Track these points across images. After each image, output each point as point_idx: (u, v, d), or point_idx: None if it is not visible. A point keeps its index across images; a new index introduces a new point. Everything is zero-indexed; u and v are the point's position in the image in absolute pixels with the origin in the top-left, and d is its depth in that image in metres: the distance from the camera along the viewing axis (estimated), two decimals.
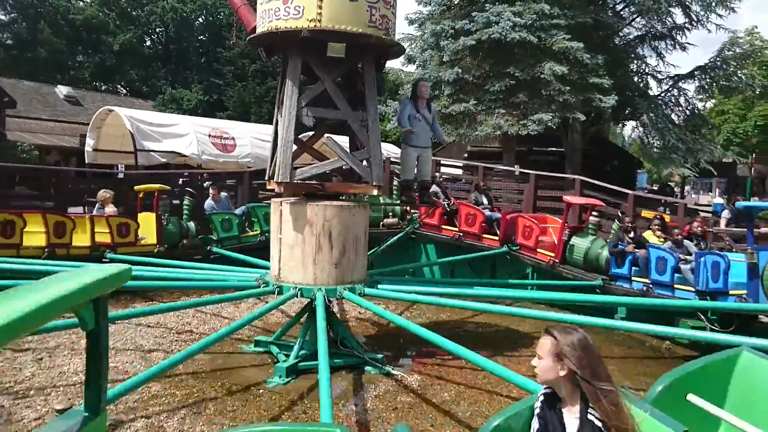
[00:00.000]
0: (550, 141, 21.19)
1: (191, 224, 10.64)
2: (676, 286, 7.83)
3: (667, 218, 10.15)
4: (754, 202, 13.66)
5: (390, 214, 12.08)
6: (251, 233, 11.31)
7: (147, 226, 9.99)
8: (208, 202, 11.19)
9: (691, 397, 2.47)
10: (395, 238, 11.39)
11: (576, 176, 12.95)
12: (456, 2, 18.88)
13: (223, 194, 11.58)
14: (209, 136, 16.32)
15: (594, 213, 9.70)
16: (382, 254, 11.06)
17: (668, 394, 2.52)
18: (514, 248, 10.28)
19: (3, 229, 8.31)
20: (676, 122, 20.60)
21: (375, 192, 6.94)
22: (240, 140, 17.17)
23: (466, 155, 23.86)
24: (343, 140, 7.56)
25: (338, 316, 7.78)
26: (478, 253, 10.58)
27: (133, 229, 9.74)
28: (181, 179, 11.84)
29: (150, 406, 5.37)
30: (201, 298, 6.69)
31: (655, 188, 33.96)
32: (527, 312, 6.59)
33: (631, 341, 8.22)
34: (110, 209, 10.03)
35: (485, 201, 11.53)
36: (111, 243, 9.34)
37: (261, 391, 5.88)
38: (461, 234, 11.01)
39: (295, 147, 6.90)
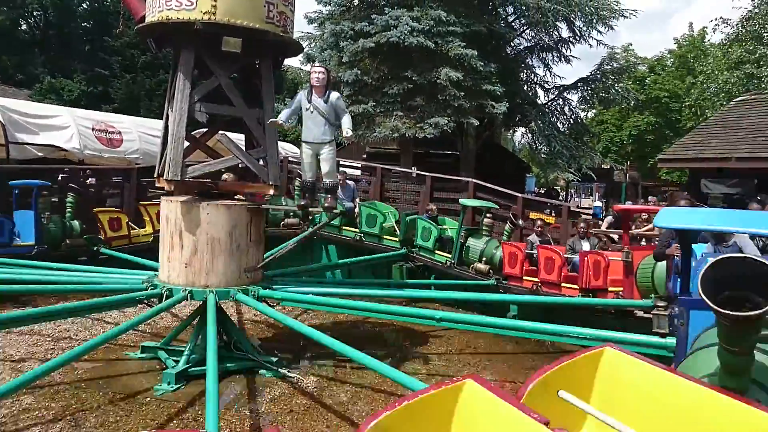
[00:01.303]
0: (446, 144, 21.82)
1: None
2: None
3: (551, 219, 10.75)
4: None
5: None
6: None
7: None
8: None
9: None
10: (296, 239, 11.14)
11: (470, 179, 13.42)
12: (356, 3, 18.99)
13: None
14: (93, 129, 15.23)
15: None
16: (282, 255, 10.81)
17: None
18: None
19: None
20: (561, 130, 21.92)
21: (271, 192, 6.80)
22: (127, 135, 16.19)
23: (365, 156, 24.02)
24: (240, 138, 7.36)
25: (233, 318, 7.55)
26: (378, 255, 10.61)
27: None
28: (60, 175, 10.99)
29: (21, 421, 4.93)
30: (80, 302, 6.21)
31: (542, 191, 35.93)
32: (420, 311, 6.69)
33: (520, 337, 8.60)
34: None
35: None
36: None
37: (148, 399, 5.58)
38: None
39: (187, 143, 6.62)
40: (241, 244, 6.39)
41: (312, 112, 6.21)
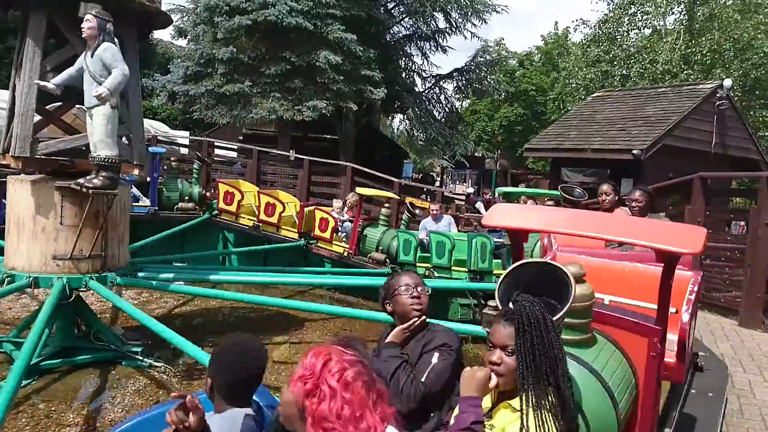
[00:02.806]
0: (325, 128, 21.78)
1: None
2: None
3: (425, 204, 11.10)
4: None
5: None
6: None
7: None
8: None
9: None
10: (189, 223, 10.51)
11: (348, 163, 13.51)
12: None
13: None
14: None
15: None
16: (175, 240, 10.17)
17: None
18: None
19: None
20: (437, 117, 22.68)
21: (136, 172, 6.39)
22: None
23: (241, 138, 23.37)
24: None
25: (92, 307, 7.05)
26: (276, 245, 10.29)
27: None
28: None
29: None
30: None
31: (419, 177, 36.98)
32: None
33: None
34: None
35: None
36: None
37: None
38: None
39: (39, 118, 6.03)
40: (99, 229, 5.94)
41: (85, 71, 5.41)
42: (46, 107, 6.66)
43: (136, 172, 6.32)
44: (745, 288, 7.49)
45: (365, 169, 12.90)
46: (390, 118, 30.91)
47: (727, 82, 14.97)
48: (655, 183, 8.74)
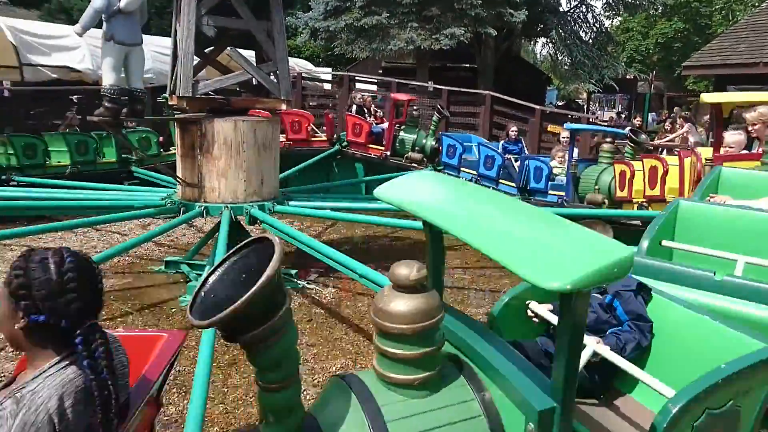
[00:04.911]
0: (464, 57, 21.25)
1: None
2: (550, 192, 8.32)
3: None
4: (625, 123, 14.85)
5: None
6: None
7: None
8: None
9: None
10: (319, 156, 11.11)
11: (487, 92, 13.17)
12: None
13: None
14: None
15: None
16: (307, 172, 10.75)
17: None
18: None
19: None
20: (584, 39, 21.13)
21: (284, 107, 6.78)
22: None
23: (380, 71, 23.55)
24: (251, 55, 7.25)
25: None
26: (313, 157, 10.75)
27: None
28: (75, 96, 11.01)
29: None
30: (100, 216, 6.44)
31: (563, 104, 35.09)
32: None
33: None
34: None
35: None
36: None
37: (173, 309, 5.84)
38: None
39: (197, 60, 6.55)
40: (252, 160, 6.44)
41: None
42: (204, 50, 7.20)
43: (284, 106, 6.70)
44: None
45: (504, 97, 12.51)
46: (531, 42, 29.34)
47: None
48: None
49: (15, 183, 8.47)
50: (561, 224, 1.63)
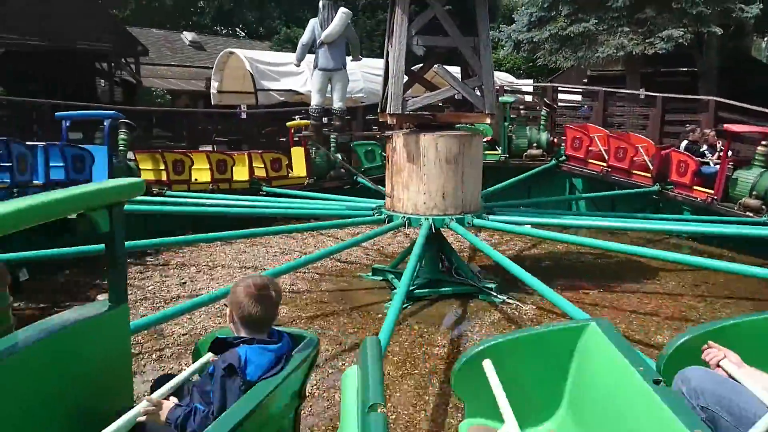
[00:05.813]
0: (681, 60, 19.42)
1: (338, 156, 10.86)
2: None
3: None
4: None
5: (535, 144, 11.49)
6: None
7: (298, 160, 10.77)
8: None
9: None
10: (537, 170, 10.88)
11: (710, 98, 11.90)
12: None
13: None
14: None
15: (764, 143, 8.26)
16: (522, 186, 10.66)
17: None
18: (668, 186, 9.58)
19: (174, 167, 9.29)
20: None
21: (488, 120, 6.84)
22: (352, 75, 17.23)
23: (585, 80, 22.54)
24: (455, 71, 7.44)
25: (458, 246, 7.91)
26: (626, 191, 9.95)
27: (284, 164, 10.57)
28: (298, 117, 12.25)
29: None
30: (315, 223, 7.32)
31: None
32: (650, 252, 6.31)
33: None
34: None
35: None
36: (266, 177, 10.20)
37: (379, 315, 6.18)
38: (608, 169, 10.36)
39: (406, 78, 6.89)
40: (458, 175, 6.58)
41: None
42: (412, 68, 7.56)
43: (488, 120, 6.76)
44: None
45: (733, 102, 11.17)
46: (766, 39, 25.79)
47: None
48: None
49: (264, 193, 9.72)
50: None
